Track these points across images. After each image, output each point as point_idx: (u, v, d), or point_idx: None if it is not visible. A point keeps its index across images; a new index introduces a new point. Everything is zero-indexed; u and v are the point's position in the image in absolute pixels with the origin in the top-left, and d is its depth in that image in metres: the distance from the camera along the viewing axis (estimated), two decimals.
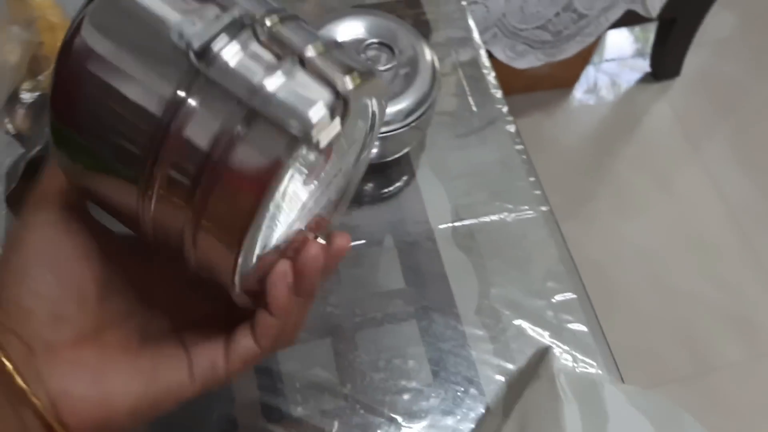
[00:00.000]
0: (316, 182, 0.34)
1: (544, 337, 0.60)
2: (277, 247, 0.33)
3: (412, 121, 0.61)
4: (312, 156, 0.30)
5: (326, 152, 0.32)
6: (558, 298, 0.62)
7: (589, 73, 1.82)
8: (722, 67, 1.88)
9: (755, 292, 1.56)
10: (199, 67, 0.26)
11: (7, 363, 0.27)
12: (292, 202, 0.32)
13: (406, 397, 0.57)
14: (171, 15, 0.27)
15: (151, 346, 0.33)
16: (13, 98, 0.56)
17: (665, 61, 1.79)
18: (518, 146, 0.70)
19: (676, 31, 1.66)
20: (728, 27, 1.93)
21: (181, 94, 0.27)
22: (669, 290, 1.55)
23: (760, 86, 1.84)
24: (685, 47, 1.74)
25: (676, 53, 1.76)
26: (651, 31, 1.81)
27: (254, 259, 0.31)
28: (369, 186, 0.68)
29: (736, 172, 1.72)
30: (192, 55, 0.26)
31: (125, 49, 0.27)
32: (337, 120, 0.27)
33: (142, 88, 0.27)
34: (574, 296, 0.62)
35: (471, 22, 0.76)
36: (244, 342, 0.33)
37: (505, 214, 0.66)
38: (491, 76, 0.73)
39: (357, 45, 0.62)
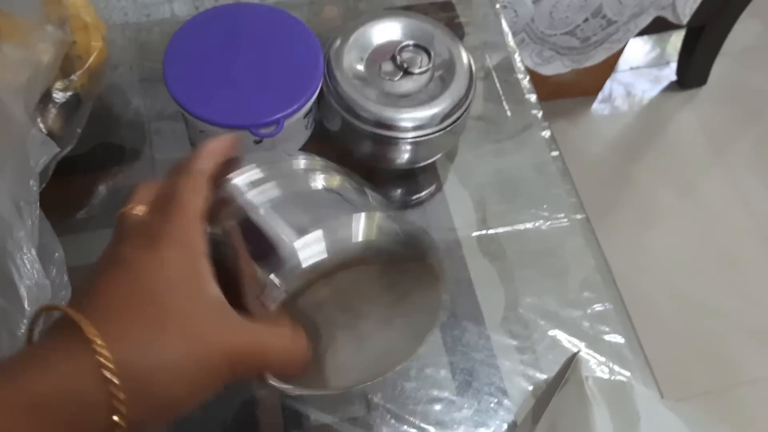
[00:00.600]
0: None
1: (580, 348, 0.58)
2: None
3: (448, 126, 0.60)
4: None
5: None
6: (594, 308, 0.61)
7: (614, 81, 1.80)
8: (749, 76, 1.85)
9: None
10: None
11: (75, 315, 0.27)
12: None
13: (437, 407, 0.56)
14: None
15: None
16: (46, 98, 0.55)
17: (692, 70, 1.76)
18: (554, 152, 0.68)
19: (705, 39, 1.64)
20: (755, 35, 1.91)
21: None
22: (693, 302, 1.52)
23: None
24: (713, 55, 1.72)
25: (703, 61, 1.74)
26: (669, 40, 1.80)
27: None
28: (397, 192, 0.67)
29: (762, 183, 1.69)
30: None
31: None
32: None
33: None
34: (611, 306, 0.61)
35: (504, 26, 0.75)
36: None
37: (540, 221, 0.65)
38: (526, 80, 0.72)
39: (393, 47, 0.61)
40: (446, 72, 0.61)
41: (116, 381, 0.26)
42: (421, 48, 0.61)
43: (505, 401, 0.56)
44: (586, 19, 1.21)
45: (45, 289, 0.43)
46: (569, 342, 0.59)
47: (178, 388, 0.28)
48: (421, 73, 0.61)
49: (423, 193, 0.66)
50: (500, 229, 0.64)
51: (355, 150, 0.64)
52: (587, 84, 1.71)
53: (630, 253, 1.52)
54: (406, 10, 0.74)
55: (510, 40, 0.74)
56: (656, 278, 1.53)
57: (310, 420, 0.55)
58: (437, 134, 0.60)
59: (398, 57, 0.60)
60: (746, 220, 1.64)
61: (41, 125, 0.55)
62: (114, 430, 0.27)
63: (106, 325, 0.28)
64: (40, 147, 0.46)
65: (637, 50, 1.87)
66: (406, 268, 0.36)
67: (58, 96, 0.56)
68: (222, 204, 0.36)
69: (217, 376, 0.29)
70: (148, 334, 0.28)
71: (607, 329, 0.60)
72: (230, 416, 0.54)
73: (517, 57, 0.73)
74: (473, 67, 0.62)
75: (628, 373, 0.57)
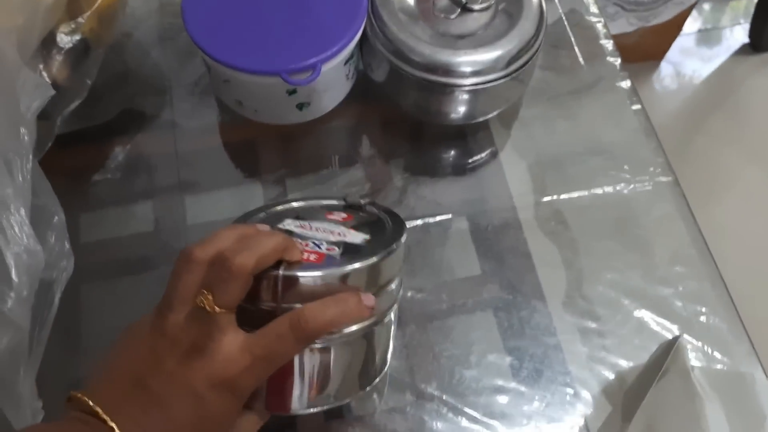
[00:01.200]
0: None
1: (672, 332, 0.49)
2: None
3: (513, 72, 0.51)
4: None
5: None
6: (688, 285, 0.51)
7: (681, 44, 1.66)
8: None
9: None
10: None
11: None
12: None
13: (502, 399, 0.47)
14: None
15: None
16: (50, 41, 0.48)
17: (766, 31, 1.62)
18: (635, 106, 0.59)
19: None
20: None
21: None
22: None
23: None
24: None
25: None
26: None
27: None
28: (449, 155, 0.58)
29: None
30: None
31: None
32: None
33: None
34: (708, 284, 0.51)
35: None
36: None
37: (621, 185, 0.55)
38: (600, 25, 0.62)
39: None
40: (511, 7, 0.52)
41: None
42: None
43: (583, 393, 0.47)
44: None
45: (36, 256, 0.36)
46: (658, 325, 0.50)
47: None
48: (482, 10, 0.52)
49: (478, 157, 0.58)
50: (573, 194, 0.55)
51: (403, 103, 0.56)
52: (652, 47, 1.58)
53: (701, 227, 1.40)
54: None
55: None
56: (729, 254, 1.41)
57: (351, 411, 0.47)
58: (501, 81, 0.51)
59: None
60: None
61: (44, 73, 0.48)
62: None
63: None
64: (33, 90, 0.39)
65: (706, 10, 1.73)
66: None
67: (64, 40, 0.49)
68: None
69: None
70: None
71: (703, 309, 0.50)
72: None
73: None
74: (543, 3, 0.53)
75: (730, 362, 0.48)
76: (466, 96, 0.52)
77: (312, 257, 0.37)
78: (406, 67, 0.51)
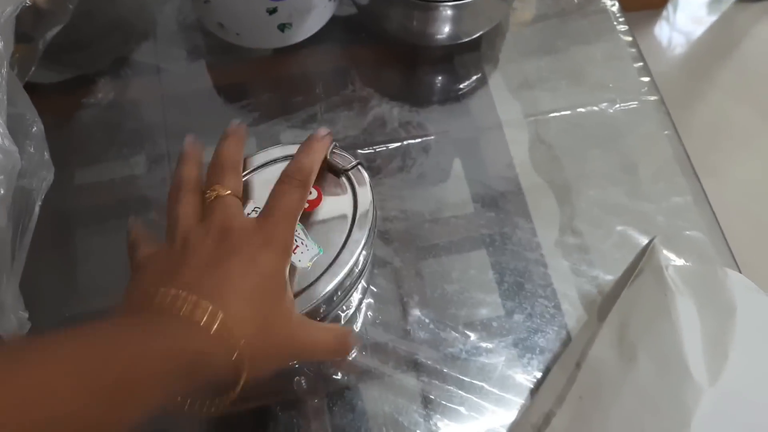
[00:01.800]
0: None
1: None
2: None
3: None
4: None
5: None
6: (672, 200, 0.51)
7: None
8: None
9: None
10: None
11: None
12: None
13: (483, 311, 0.48)
14: None
15: None
16: None
17: None
18: (621, 27, 0.58)
19: None
20: None
21: None
22: None
23: None
24: None
25: None
26: None
27: None
28: (437, 80, 0.58)
29: None
30: None
31: None
32: None
33: None
34: (690, 198, 0.51)
35: None
36: None
37: (605, 104, 0.55)
38: None
39: None
40: None
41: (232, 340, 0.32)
42: None
43: (564, 305, 0.48)
44: None
45: (12, 156, 0.36)
46: (640, 239, 0.50)
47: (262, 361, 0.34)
48: None
49: (467, 82, 0.57)
50: (558, 113, 0.55)
51: (388, 26, 0.56)
52: None
53: (704, 179, 1.40)
54: None
55: None
56: (732, 207, 1.40)
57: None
58: None
59: None
60: None
61: None
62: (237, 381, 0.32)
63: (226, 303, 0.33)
64: None
65: None
66: None
67: None
68: None
69: (281, 361, 0.38)
70: (252, 315, 0.34)
71: (686, 224, 0.50)
72: None
73: None
74: None
75: None
76: (449, 12, 0.52)
77: None
78: None
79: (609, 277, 0.48)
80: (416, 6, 0.51)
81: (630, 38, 0.58)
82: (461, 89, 0.57)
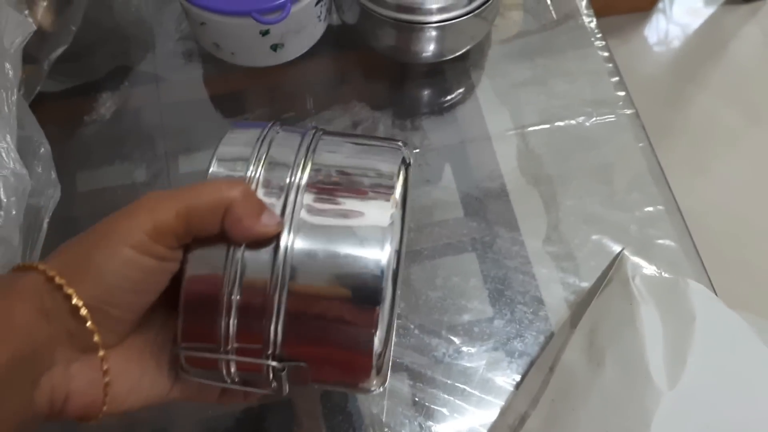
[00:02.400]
0: None
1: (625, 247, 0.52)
2: None
3: (477, 8, 0.53)
4: None
5: None
6: (644, 210, 0.54)
7: None
8: None
9: None
10: None
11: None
12: None
13: (466, 317, 0.51)
14: None
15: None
16: None
17: None
18: (599, 43, 0.61)
19: None
20: None
21: None
22: (760, 232, 1.42)
23: None
24: None
25: None
26: None
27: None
28: (425, 93, 0.61)
29: None
30: None
31: None
32: None
33: None
34: (663, 208, 0.54)
35: None
36: None
37: (583, 118, 0.58)
38: None
39: None
40: None
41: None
42: None
43: (542, 311, 0.51)
44: None
45: (23, 179, 0.39)
46: (614, 247, 0.53)
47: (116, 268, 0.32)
48: None
49: (454, 95, 0.60)
50: (536, 127, 0.58)
51: (375, 44, 0.58)
52: None
53: (692, 179, 1.43)
54: None
55: None
56: (720, 207, 1.43)
57: None
58: (466, 18, 0.53)
59: None
60: None
61: (30, 19, 0.51)
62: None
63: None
64: (15, 28, 0.42)
65: None
66: None
67: None
68: None
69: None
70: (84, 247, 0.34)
71: (658, 233, 0.53)
72: None
73: None
74: None
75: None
76: (433, 33, 0.55)
77: None
78: (375, 7, 0.53)
79: (585, 284, 0.51)
80: (401, 27, 0.54)
81: (607, 53, 0.61)
82: (448, 101, 0.60)
